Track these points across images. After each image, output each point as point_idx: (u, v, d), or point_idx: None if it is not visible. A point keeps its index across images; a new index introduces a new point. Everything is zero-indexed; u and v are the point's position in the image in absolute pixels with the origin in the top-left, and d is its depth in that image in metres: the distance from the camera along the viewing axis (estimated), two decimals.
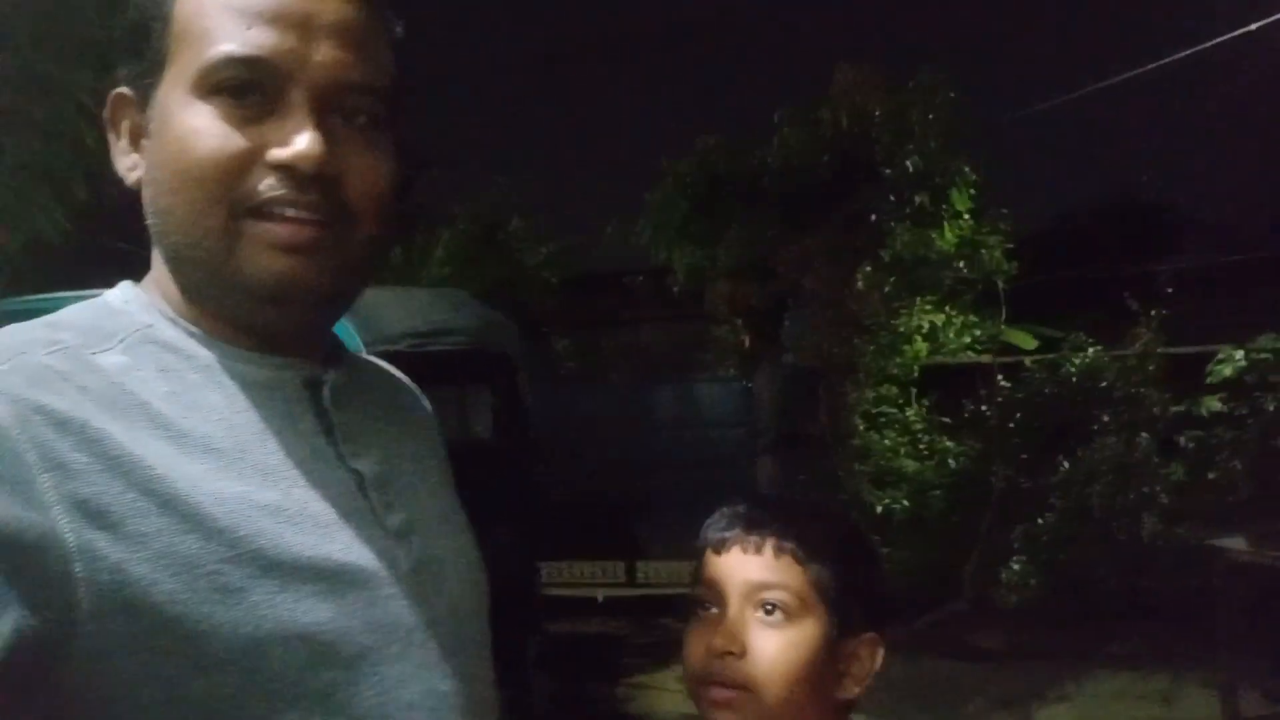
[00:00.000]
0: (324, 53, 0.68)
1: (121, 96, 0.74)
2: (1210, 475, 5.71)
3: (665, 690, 5.54)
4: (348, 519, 0.70)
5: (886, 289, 6.38)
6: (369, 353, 1.35)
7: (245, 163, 0.67)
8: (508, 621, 0.90)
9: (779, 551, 0.95)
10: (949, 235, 6.38)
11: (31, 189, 4.35)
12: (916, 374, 6.63)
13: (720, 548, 0.97)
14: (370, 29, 0.72)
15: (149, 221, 0.72)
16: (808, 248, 6.17)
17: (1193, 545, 4.99)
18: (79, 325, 0.70)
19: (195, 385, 0.69)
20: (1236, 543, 4.09)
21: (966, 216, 6.48)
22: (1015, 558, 5.84)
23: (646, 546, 7.86)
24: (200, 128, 0.67)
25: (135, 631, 0.58)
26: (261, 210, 0.68)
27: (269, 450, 0.69)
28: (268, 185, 0.67)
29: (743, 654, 0.92)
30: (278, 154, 0.67)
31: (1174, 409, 5.92)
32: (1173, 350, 6.11)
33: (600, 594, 7.53)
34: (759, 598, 0.94)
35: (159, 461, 0.63)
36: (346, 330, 2.69)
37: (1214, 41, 8.43)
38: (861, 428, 6.36)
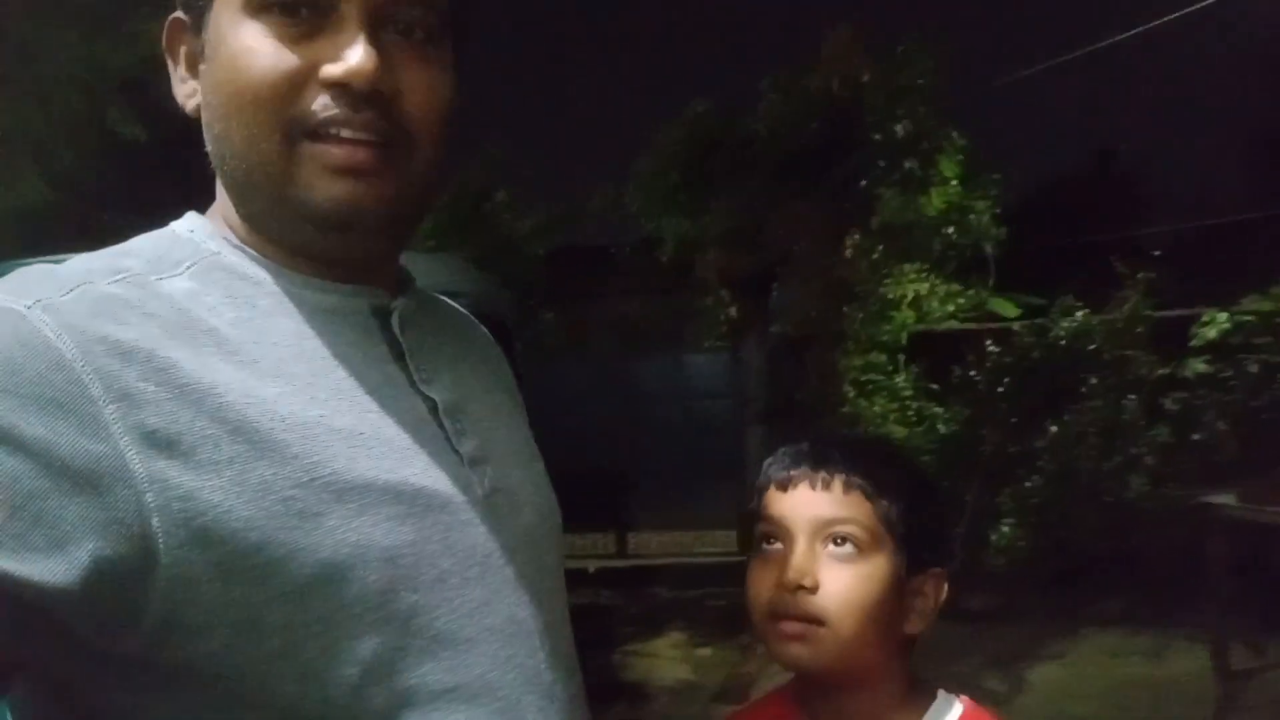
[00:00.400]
0: None
1: (178, 21, 0.72)
2: (1196, 436, 5.77)
3: (659, 658, 5.58)
4: (422, 444, 0.69)
5: (875, 255, 6.37)
6: None
7: (299, 82, 0.65)
8: None
9: (848, 487, 0.95)
10: (937, 200, 6.37)
11: (16, 155, 4.28)
12: (904, 341, 6.65)
13: (787, 484, 0.97)
14: None
15: (210, 149, 0.71)
16: (797, 215, 6.15)
17: (1180, 504, 5.05)
18: (145, 252, 0.69)
19: (264, 311, 0.68)
20: (1225, 499, 4.14)
21: (955, 182, 6.47)
22: (1004, 520, 5.89)
23: (637, 517, 7.91)
24: (252, 47, 0.66)
25: (214, 559, 0.58)
26: (318, 132, 0.66)
27: (341, 375, 0.68)
28: (322, 104, 0.65)
29: (815, 588, 0.92)
30: (330, 71, 0.65)
31: (1160, 371, 5.96)
32: (1159, 314, 6.15)
33: (591, 565, 7.57)
34: (829, 532, 0.94)
35: (229, 388, 0.62)
36: None
37: (1195, 6, 8.42)
38: (851, 395, 6.37)
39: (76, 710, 0.61)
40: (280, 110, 0.66)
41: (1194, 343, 5.75)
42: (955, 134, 6.42)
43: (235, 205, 0.71)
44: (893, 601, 0.94)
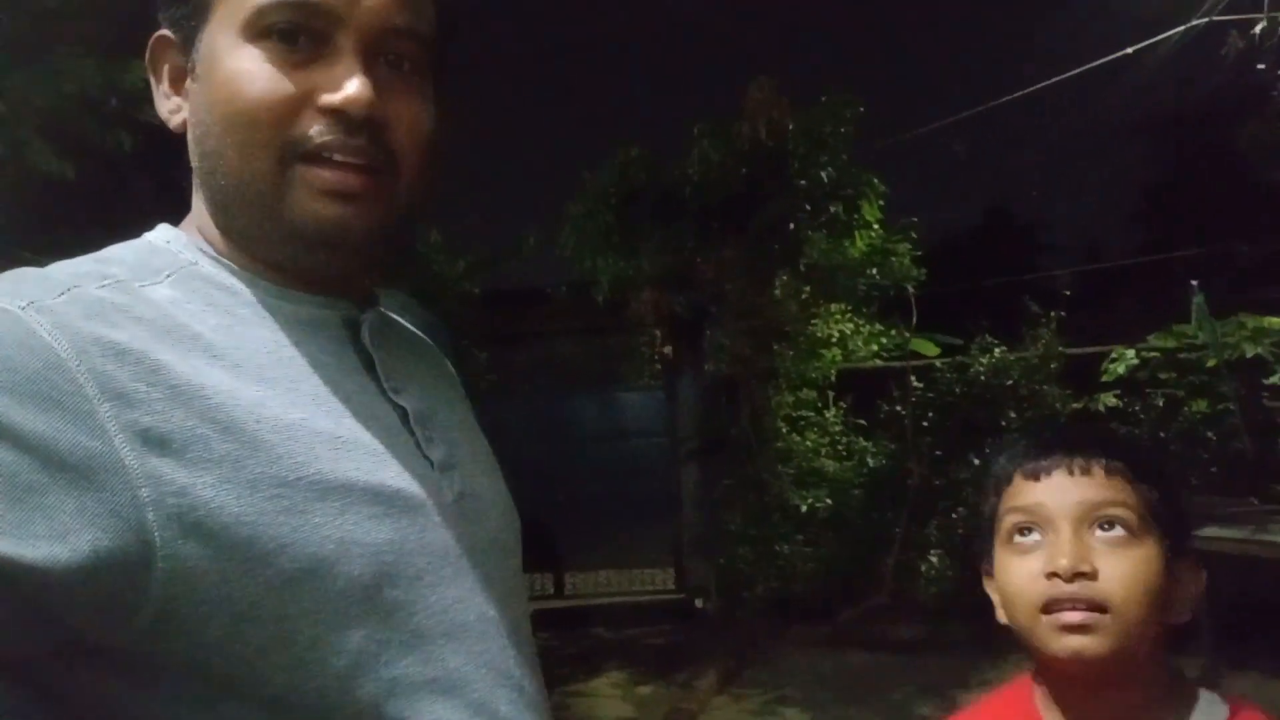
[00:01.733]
0: None
1: (163, 39, 0.74)
2: None
3: (600, 697, 5.55)
4: (396, 449, 0.71)
5: (803, 296, 6.56)
6: None
7: (295, 107, 0.68)
8: None
9: (1110, 471, 0.91)
10: (861, 243, 6.61)
11: None
12: (833, 378, 6.84)
13: (1039, 473, 0.93)
14: None
15: (195, 164, 0.73)
16: (727, 256, 6.31)
17: None
18: (126, 260, 0.70)
19: (243, 320, 0.69)
20: None
21: (876, 226, 6.72)
22: (932, 551, 6.07)
23: (574, 557, 7.87)
24: (250, 70, 0.68)
25: (208, 553, 0.59)
26: (311, 155, 0.68)
27: (318, 382, 0.70)
28: (317, 130, 0.68)
29: (1094, 574, 0.87)
30: (328, 98, 0.68)
31: (1074, 405, 6.25)
32: (1071, 351, 6.47)
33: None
34: (1097, 515, 0.90)
35: (216, 390, 0.63)
36: None
37: (1096, 63, 8.98)
38: (783, 430, 6.51)
39: (59, 707, 0.61)
40: (276, 133, 0.68)
41: (1104, 378, 6.05)
42: (875, 180, 6.67)
43: (218, 218, 0.73)
44: (1165, 588, 0.90)
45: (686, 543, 7.39)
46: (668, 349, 7.06)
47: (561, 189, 6.92)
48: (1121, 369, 6.03)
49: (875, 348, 7.51)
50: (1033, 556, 0.91)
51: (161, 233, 0.75)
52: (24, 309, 0.60)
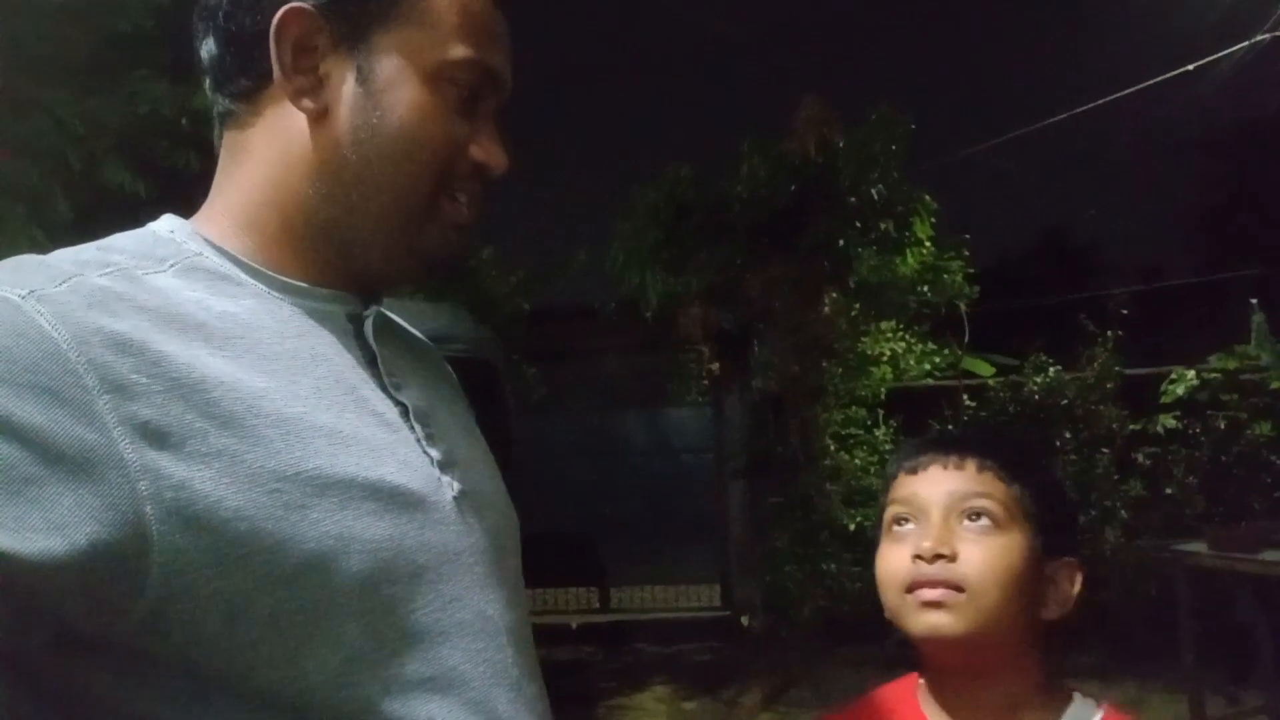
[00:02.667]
0: (509, 71, 0.79)
1: (307, 14, 0.72)
2: (1168, 490, 5.91)
3: (644, 712, 5.54)
4: (396, 445, 0.71)
5: (853, 313, 6.53)
6: None
7: (457, 151, 0.76)
8: None
9: (981, 467, 0.96)
10: (911, 261, 6.56)
11: (11, 209, 4.33)
12: (882, 396, 6.78)
13: (917, 469, 0.98)
14: None
15: (319, 156, 0.73)
16: (776, 273, 6.31)
17: (1154, 555, 5.15)
18: (129, 248, 0.70)
19: (247, 310, 0.70)
20: (1196, 547, 4.24)
21: (928, 244, 6.67)
22: None
23: (620, 572, 7.89)
24: (437, 110, 0.74)
25: (205, 547, 0.59)
26: (453, 192, 0.77)
27: (321, 375, 0.70)
28: (465, 175, 0.77)
29: (954, 557, 0.92)
30: (481, 156, 0.77)
31: (1131, 427, 6.12)
32: (1129, 371, 6.34)
33: (574, 620, 7.52)
34: (965, 507, 0.94)
35: (218, 382, 0.63)
36: None
37: (1155, 80, 8.83)
38: (831, 448, 6.47)
39: (51, 704, 0.61)
40: (439, 170, 0.75)
41: (1164, 399, 5.92)
42: (927, 197, 6.63)
43: (294, 214, 0.74)
44: (1030, 582, 0.93)
45: (733, 560, 7.36)
46: (715, 366, 7.06)
47: (612, 207, 6.98)
48: (1181, 390, 5.90)
49: (928, 366, 7.43)
50: (905, 542, 0.96)
51: (166, 223, 0.75)
52: (24, 297, 0.59)
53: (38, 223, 4.43)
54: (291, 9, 0.71)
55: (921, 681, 1.02)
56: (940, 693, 0.98)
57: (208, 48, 0.76)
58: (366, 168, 0.73)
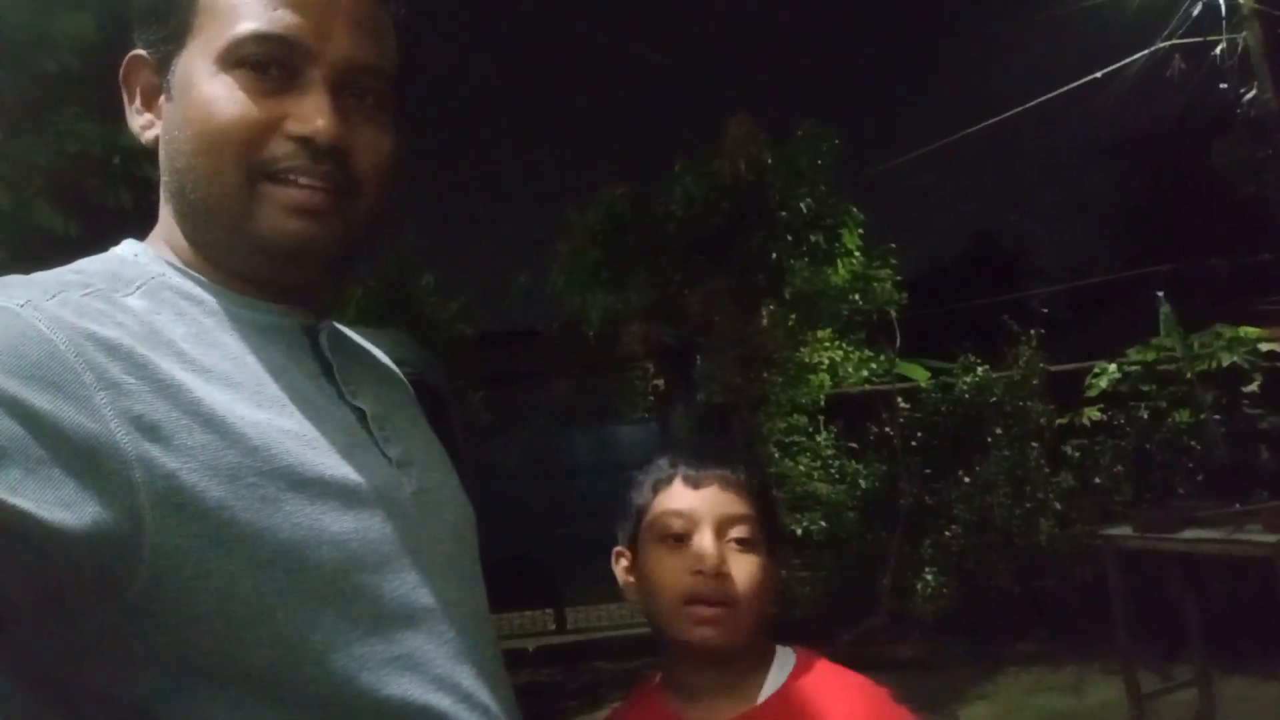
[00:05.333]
0: (340, 35, 0.75)
1: (138, 59, 0.79)
2: (1096, 480, 6.16)
3: None
4: (356, 447, 0.76)
5: (789, 324, 6.70)
6: None
7: (264, 132, 0.73)
8: None
9: (739, 487, 1.09)
10: (842, 271, 6.76)
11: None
12: (822, 403, 6.96)
13: (696, 483, 1.10)
14: (380, 15, 0.79)
15: (165, 179, 0.78)
16: (713, 288, 6.45)
17: (1085, 543, 5.37)
18: (99, 272, 0.74)
19: (209, 328, 0.74)
20: (1123, 530, 4.44)
21: (857, 254, 6.89)
22: (927, 569, 6.15)
23: (575, 592, 7.91)
24: (224, 96, 0.73)
25: (193, 532, 0.63)
26: (277, 176, 0.74)
27: (281, 385, 0.74)
28: (285, 154, 0.73)
29: (727, 576, 1.05)
30: (297, 127, 0.73)
31: (1059, 421, 6.38)
32: (1054, 368, 6.60)
33: (531, 644, 7.51)
34: (732, 528, 1.07)
35: (194, 388, 0.68)
36: None
37: (1066, 88, 9.24)
38: (776, 456, 6.61)
39: (46, 686, 0.64)
40: (246, 154, 0.73)
41: (1088, 393, 6.18)
42: (854, 209, 6.84)
43: (188, 231, 0.77)
44: (773, 588, 1.10)
45: None
46: (659, 381, 7.17)
47: (550, 230, 7.07)
48: (1104, 383, 6.14)
49: (865, 373, 7.64)
50: (679, 554, 1.07)
51: (128, 247, 0.79)
52: (22, 307, 0.64)
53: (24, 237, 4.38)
54: (130, 57, 0.80)
55: (659, 677, 1.14)
56: (679, 685, 1.10)
57: None
58: (187, 171, 0.75)
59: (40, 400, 0.60)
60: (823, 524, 6.31)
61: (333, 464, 0.72)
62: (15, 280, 0.69)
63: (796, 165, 6.56)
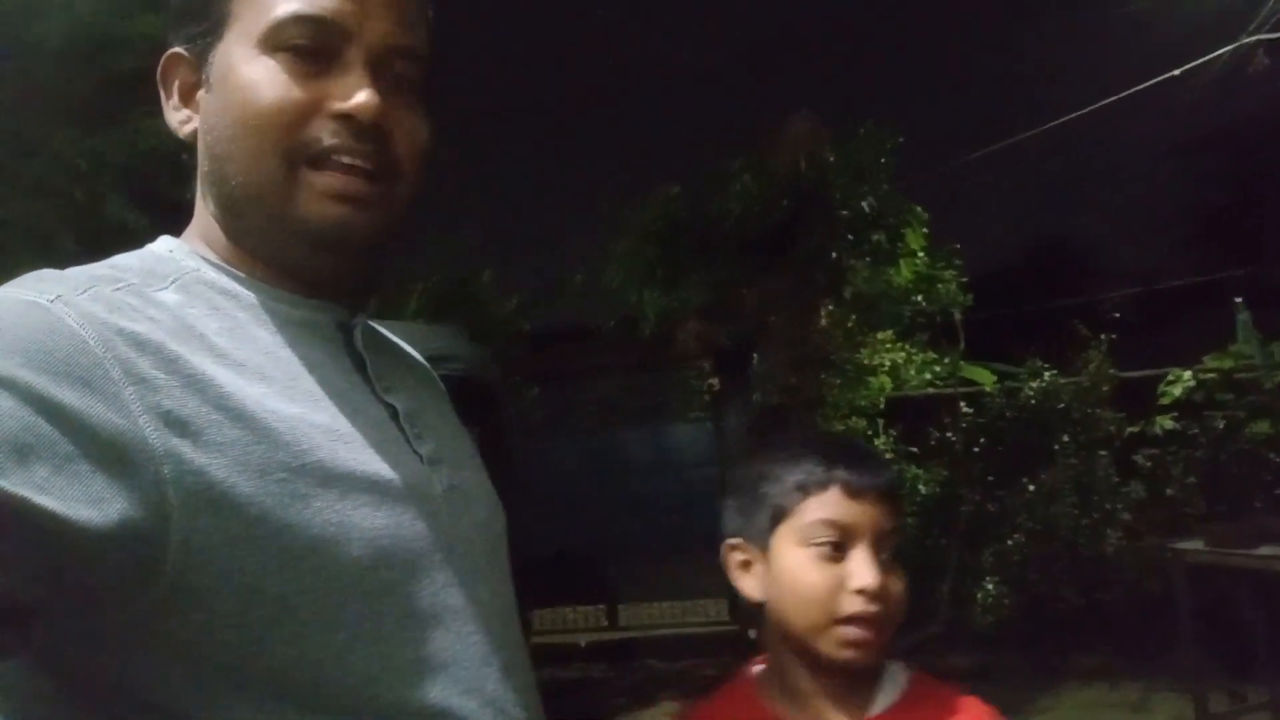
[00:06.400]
0: (378, 17, 0.75)
1: (175, 56, 0.80)
2: (1167, 491, 5.95)
3: None
4: (388, 443, 0.76)
5: (849, 325, 6.60)
6: None
7: (305, 113, 0.73)
8: None
9: (893, 501, 1.03)
10: (905, 271, 6.64)
11: (17, 245, 4.42)
12: (882, 406, 6.84)
13: (857, 494, 1.01)
14: (415, 1, 0.79)
15: (204, 169, 0.78)
16: (771, 288, 6.38)
17: (1154, 555, 5.19)
18: (133, 268, 0.74)
19: (244, 322, 0.74)
20: (1194, 545, 4.28)
21: (921, 254, 6.75)
22: (987, 579, 6.00)
23: (627, 589, 7.91)
24: (264, 79, 0.73)
25: (221, 528, 0.63)
26: (319, 160, 0.73)
27: (315, 380, 0.74)
28: (328, 133, 0.73)
29: (886, 597, 0.98)
30: (340, 105, 0.73)
31: (1130, 429, 6.17)
32: (1125, 374, 6.40)
33: (583, 639, 7.54)
34: (885, 543, 1.01)
35: (225, 383, 0.68)
36: None
37: (1143, 85, 8.95)
38: None
39: (71, 684, 0.64)
40: (287, 136, 0.73)
41: (1162, 400, 5.97)
42: (918, 208, 6.72)
43: (226, 221, 0.77)
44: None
45: None
46: (715, 381, 7.12)
47: (606, 228, 7.07)
48: (1178, 391, 5.95)
49: (928, 376, 7.48)
50: (832, 564, 1.00)
51: (164, 243, 0.80)
52: (52, 302, 0.64)
53: (44, 257, 4.53)
54: (166, 55, 0.80)
55: (758, 671, 1.08)
56: (788, 685, 1.04)
57: None
58: (227, 160, 0.75)
59: (68, 396, 0.60)
60: None
61: (364, 460, 0.72)
62: (48, 275, 0.70)
63: (858, 163, 6.45)
